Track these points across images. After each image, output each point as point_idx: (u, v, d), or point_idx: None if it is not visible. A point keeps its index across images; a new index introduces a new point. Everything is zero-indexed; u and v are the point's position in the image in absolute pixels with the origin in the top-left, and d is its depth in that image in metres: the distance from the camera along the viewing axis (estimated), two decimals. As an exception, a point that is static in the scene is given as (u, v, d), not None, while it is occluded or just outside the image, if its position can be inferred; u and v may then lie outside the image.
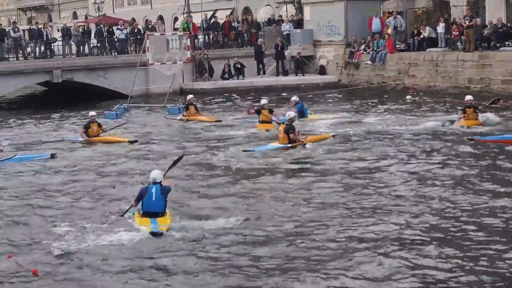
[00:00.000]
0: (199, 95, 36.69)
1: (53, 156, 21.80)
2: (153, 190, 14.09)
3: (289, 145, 21.69)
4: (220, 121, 28.17)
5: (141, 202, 14.25)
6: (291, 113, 22.84)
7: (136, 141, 24.31)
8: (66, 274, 11.76)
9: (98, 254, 12.54)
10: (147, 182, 14.60)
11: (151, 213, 13.99)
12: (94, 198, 16.76)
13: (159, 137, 25.56)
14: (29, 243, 13.35)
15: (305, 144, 21.86)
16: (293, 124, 22.12)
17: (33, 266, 11.89)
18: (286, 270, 11.61)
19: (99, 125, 24.85)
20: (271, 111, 26.38)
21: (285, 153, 21.15)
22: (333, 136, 23.32)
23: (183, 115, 28.96)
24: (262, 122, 26.15)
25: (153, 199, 14.04)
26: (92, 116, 25.00)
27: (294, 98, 27.81)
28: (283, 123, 22.88)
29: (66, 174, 19.59)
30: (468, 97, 25.40)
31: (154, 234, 13.28)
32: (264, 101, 27.25)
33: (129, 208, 14.63)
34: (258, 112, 26.48)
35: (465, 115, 24.60)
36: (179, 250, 12.70)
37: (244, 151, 21.74)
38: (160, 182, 14.27)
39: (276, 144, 22.03)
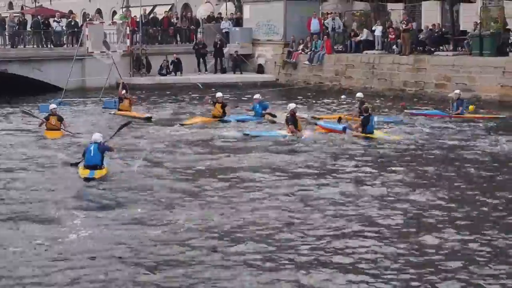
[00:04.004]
0: (136, 90, 36.58)
1: None
2: (92, 148, 17.83)
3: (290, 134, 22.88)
4: (151, 117, 27.89)
5: (84, 157, 17.92)
6: (292, 105, 23.83)
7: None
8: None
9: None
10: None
11: (91, 166, 17.62)
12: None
13: (86, 129, 24.97)
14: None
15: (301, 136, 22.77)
16: (294, 115, 23.22)
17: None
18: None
19: (59, 119, 24.43)
20: (224, 106, 26.87)
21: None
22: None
23: (118, 109, 28.86)
24: (214, 116, 26.78)
25: (92, 154, 17.74)
26: (53, 109, 24.68)
27: (257, 95, 27.71)
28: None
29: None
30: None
31: (88, 179, 17.14)
32: (219, 94, 27.55)
33: (79, 162, 18.27)
34: (214, 104, 27.03)
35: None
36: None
37: (245, 134, 23.47)
38: (100, 142, 17.98)
39: (281, 132, 23.38)
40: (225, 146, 22.09)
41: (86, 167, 17.72)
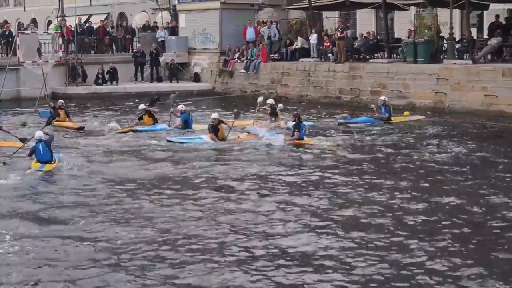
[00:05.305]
0: (71, 100, 36.25)
1: None
2: (40, 147, 19.32)
3: (211, 141, 23.17)
4: (83, 127, 27.56)
5: (34, 154, 19.35)
6: (215, 114, 24.09)
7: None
8: None
9: None
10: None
11: (42, 161, 19.21)
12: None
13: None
14: None
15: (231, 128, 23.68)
16: (215, 124, 23.39)
17: None
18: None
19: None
20: (151, 115, 26.96)
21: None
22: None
23: (54, 120, 28.54)
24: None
25: (42, 152, 19.25)
26: None
27: (180, 107, 27.21)
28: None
29: None
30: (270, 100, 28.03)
31: (39, 171, 18.76)
32: (141, 106, 27.44)
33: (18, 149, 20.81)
34: (140, 118, 26.96)
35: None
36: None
37: (168, 141, 23.63)
38: (46, 139, 19.39)
39: (204, 138, 23.57)
40: (154, 155, 21.97)
41: (39, 161, 19.25)
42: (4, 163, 20.12)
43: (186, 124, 26.33)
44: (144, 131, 25.92)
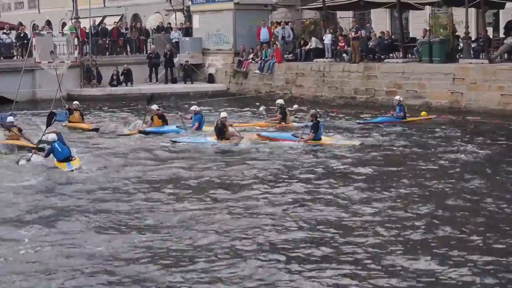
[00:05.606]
0: (87, 101, 36.30)
1: None
2: (57, 145, 19.73)
3: (218, 141, 23.07)
4: (98, 129, 27.60)
5: (53, 155, 19.72)
6: (223, 114, 24.19)
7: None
8: None
9: None
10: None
11: (65, 159, 19.60)
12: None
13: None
14: None
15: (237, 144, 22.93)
16: (225, 123, 23.24)
17: None
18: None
19: (20, 130, 24.07)
20: (160, 116, 26.79)
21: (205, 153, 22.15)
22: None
23: (68, 121, 28.63)
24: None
25: (60, 150, 19.65)
26: (9, 122, 24.25)
27: (194, 107, 27.20)
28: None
29: None
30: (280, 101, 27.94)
31: (71, 171, 19.11)
32: (155, 106, 27.43)
33: (31, 155, 20.42)
34: (151, 119, 26.88)
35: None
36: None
37: (173, 141, 23.76)
38: (58, 138, 19.93)
39: (210, 139, 23.51)
40: (163, 156, 21.98)
41: (61, 160, 19.63)
42: (17, 163, 20.41)
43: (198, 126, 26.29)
44: (153, 133, 25.95)
